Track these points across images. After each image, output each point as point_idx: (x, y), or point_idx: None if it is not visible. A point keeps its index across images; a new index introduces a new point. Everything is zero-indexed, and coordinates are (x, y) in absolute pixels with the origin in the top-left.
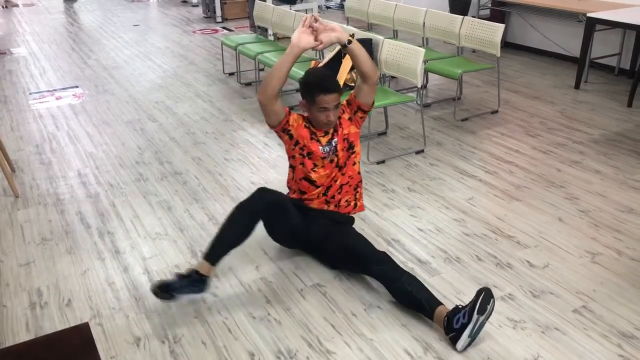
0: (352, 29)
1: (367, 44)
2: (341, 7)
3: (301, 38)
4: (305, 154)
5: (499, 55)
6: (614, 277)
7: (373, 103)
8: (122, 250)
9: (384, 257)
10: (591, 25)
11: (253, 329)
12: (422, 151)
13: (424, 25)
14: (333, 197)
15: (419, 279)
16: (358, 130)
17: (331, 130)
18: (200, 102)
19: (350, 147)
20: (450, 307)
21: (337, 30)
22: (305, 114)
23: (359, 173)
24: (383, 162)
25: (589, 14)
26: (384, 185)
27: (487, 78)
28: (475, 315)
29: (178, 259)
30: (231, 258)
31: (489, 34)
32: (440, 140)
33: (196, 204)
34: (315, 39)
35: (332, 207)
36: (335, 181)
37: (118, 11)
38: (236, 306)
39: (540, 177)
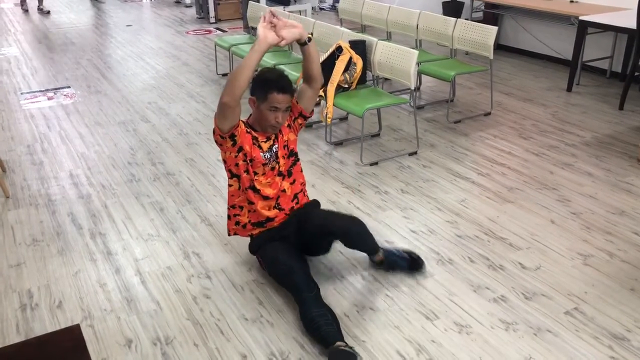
0: (345, 31)
1: (361, 45)
2: (334, 8)
3: (267, 34)
4: (247, 160)
5: (491, 57)
6: (605, 279)
7: (313, 111)
8: (114, 251)
9: (351, 223)
10: (583, 28)
11: (245, 331)
12: (415, 153)
13: (417, 28)
14: (292, 208)
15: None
16: (296, 138)
17: (272, 137)
18: (193, 102)
19: (292, 154)
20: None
21: (298, 27)
22: (246, 119)
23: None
24: (376, 163)
25: (581, 17)
26: (377, 187)
27: (480, 80)
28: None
29: (170, 260)
30: (224, 260)
31: (481, 36)
32: (433, 142)
33: (189, 205)
34: (277, 35)
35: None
36: (284, 191)
37: (111, 11)
38: (228, 308)
39: (533, 179)
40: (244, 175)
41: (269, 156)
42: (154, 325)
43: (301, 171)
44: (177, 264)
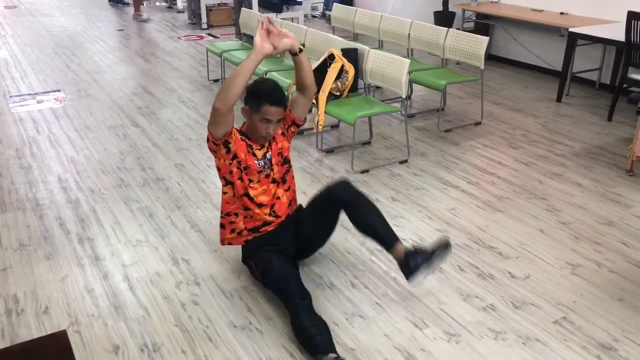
0: (337, 39)
1: (353, 53)
2: (326, 16)
3: (264, 44)
4: (242, 168)
5: (482, 67)
6: (593, 288)
7: (306, 118)
8: (102, 256)
9: (343, 187)
10: (573, 40)
11: (234, 338)
12: (406, 161)
13: (409, 37)
14: (288, 215)
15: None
16: (289, 145)
17: (266, 144)
18: (184, 108)
19: (285, 162)
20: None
21: (290, 37)
22: (240, 127)
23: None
24: (367, 171)
25: (571, 29)
26: (368, 194)
27: (470, 90)
28: (433, 261)
29: (159, 266)
30: (213, 266)
31: (473, 46)
32: (424, 151)
33: (178, 210)
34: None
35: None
36: (278, 198)
37: (102, 15)
38: (217, 315)
39: (522, 189)
40: (238, 182)
41: (262, 164)
42: (141, 331)
43: (293, 178)
44: (166, 270)
